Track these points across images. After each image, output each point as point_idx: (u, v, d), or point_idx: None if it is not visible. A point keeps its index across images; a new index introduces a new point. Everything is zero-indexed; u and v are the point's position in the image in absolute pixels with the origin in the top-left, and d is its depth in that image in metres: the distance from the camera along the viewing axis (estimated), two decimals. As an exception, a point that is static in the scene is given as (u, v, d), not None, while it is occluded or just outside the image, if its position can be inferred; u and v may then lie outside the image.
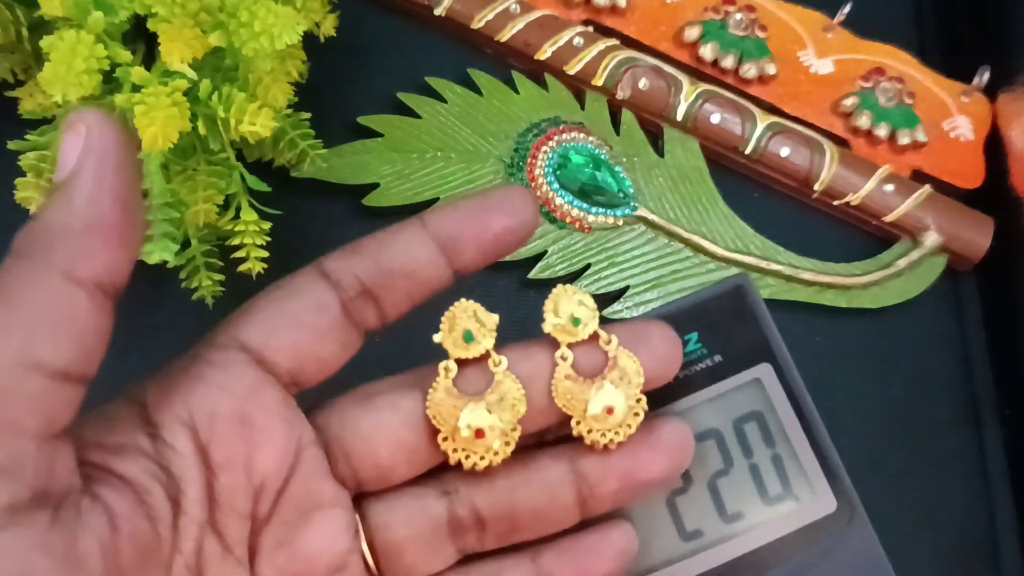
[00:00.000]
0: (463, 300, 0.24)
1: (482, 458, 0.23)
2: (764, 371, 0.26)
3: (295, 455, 0.23)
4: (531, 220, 0.24)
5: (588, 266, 0.36)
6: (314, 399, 0.25)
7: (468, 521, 0.24)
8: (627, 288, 0.36)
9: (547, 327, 0.24)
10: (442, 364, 0.24)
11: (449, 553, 0.25)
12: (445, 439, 0.23)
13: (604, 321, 0.24)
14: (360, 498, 0.24)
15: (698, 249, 0.36)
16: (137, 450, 0.21)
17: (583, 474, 0.24)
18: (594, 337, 0.24)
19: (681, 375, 0.26)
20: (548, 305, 0.24)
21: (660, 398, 0.26)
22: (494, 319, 0.24)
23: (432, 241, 0.24)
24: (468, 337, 0.24)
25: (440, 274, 0.24)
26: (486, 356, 0.24)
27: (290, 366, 0.23)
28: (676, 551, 0.25)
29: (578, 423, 0.23)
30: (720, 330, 0.26)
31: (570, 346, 0.24)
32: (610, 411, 0.23)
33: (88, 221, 0.19)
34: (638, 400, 0.24)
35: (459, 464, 0.24)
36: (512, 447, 0.23)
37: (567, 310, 0.24)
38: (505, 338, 0.25)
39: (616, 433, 0.23)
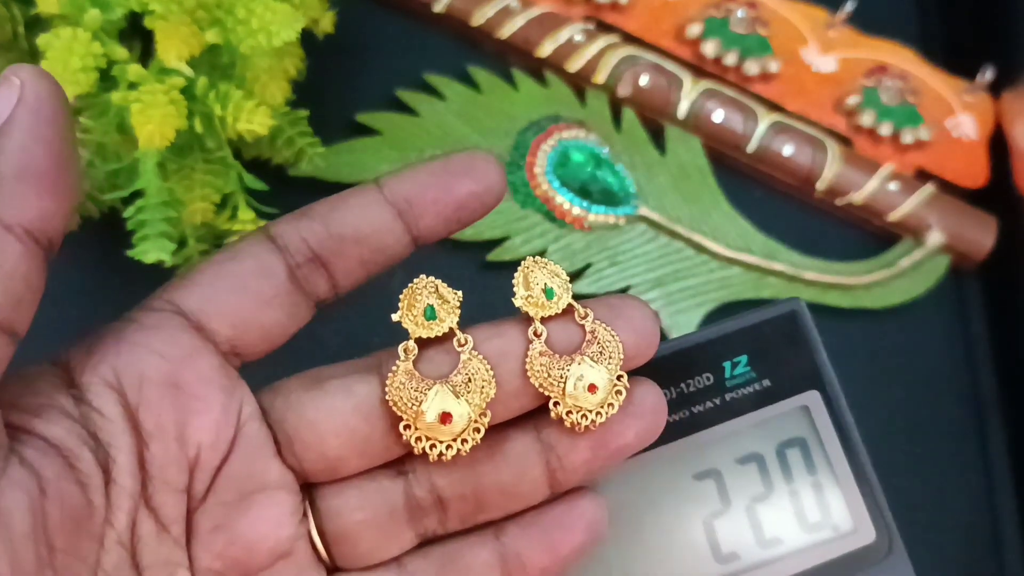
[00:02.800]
0: (422, 276, 0.22)
1: (448, 447, 0.21)
2: (812, 399, 0.26)
3: (235, 428, 0.22)
4: (497, 187, 0.22)
5: (589, 265, 0.36)
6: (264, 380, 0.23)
7: (427, 503, 0.23)
8: (628, 288, 0.35)
9: (517, 301, 0.22)
10: (402, 345, 0.22)
11: (407, 538, 0.23)
12: (407, 427, 0.21)
13: (575, 298, 0.23)
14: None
15: (700, 248, 0.36)
16: (60, 412, 0.20)
17: (550, 444, 0.22)
18: (568, 311, 0.22)
19: (728, 397, 0.26)
20: (518, 278, 0.22)
21: (705, 420, 0.25)
22: (458, 295, 0.22)
23: (388, 205, 0.22)
24: (430, 314, 0.22)
25: (397, 241, 0.22)
26: (450, 335, 0.22)
27: (230, 334, 0.22)
28: (710, 573, 0.25)
29: (556, 405, 0.22)
30: (770, 354, 0.26)
31: (543, 321, 0.22)
32: (592, 389, 0.21)
33: (20, 168, 0.19)
34: (619, 377, 0.22)
35: (423, 454, 0.22)
36: (482, 434, 0.22)
37: (539, 282, 0.22)
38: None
39: (598, 414, 0.22)
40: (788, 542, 0.25)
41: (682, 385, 0.25)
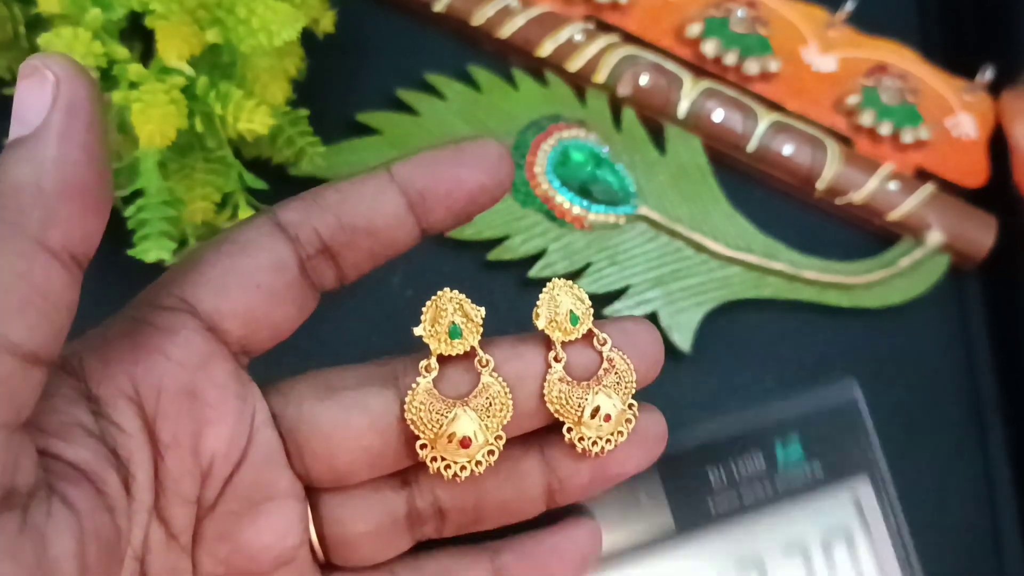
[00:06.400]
0: (446, 290, 0.22)
1: (463, 468, 0.22)
2: (862, 485, 0.26)
3: (248, 436, 0.21)
4: (506, 178, 0.22)
5: (589, 265, 0.36)
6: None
7: (428, 513, 0.23)
8: (628, 287, 0.35)
9: (540, 323, 0.22)
10: (423, 363, 0.22)
11: (404, 543, 0.23)
12: (424, 446, 0.22)
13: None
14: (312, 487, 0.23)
15: (700, 248, 0.36)
16: (83, 431, 0.19)
17: (553, 466, 0.23)
18: (587, 335, 0.22)
19: (777, 481, 0.25)
20: (543, 299, 0.22)
21: (755, 503, 0.25)
22: (480, 312, 0.22)
23: (401, 197, 0.22)
24: (455, 333, 0.22)
25: (407, 234, 0.22)
26: (471, 353, 0.22)
27: (242, 333, 0.21)
28: None
29: (570, 431, 0.22)
30: (824, 438, 0.26)
31: (563, 345, 0.22)
32: (607, 418, 0.22)
33: (62, 182, 0.17)
34: (630, 405, 0.22)
35: (438, 473, 0.22)
36: (496, 456, 0.22)
37: (565, 306, 0.22)
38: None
39: (608, 441, 0.22)
40: None
41: (732, 465, 0.25)
